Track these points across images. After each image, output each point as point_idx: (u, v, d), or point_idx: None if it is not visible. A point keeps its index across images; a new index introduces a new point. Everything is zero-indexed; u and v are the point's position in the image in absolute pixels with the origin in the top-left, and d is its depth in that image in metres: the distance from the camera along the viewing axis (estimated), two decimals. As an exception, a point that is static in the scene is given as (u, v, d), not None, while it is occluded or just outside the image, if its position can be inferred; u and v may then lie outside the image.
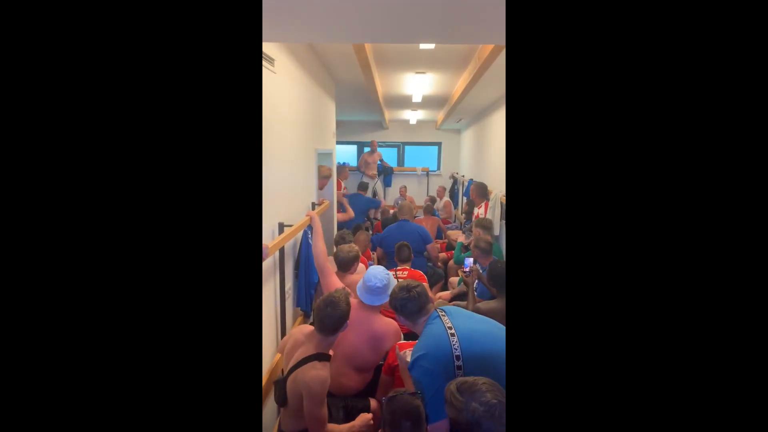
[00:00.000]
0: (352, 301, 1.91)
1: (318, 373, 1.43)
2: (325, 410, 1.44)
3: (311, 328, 1.56)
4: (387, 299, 1.93)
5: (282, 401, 1.50)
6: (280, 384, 1.51)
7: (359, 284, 1.94)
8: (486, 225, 3.35)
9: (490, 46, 2.51)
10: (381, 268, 1.97)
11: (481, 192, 4.12)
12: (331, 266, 2.38)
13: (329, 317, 1.48)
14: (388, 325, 1.87)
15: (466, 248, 3.39)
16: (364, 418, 1.51)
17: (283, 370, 1.58)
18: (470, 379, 0.97)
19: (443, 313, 1.39)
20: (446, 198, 6.23)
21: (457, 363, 1.24)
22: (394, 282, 2.04)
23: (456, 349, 1.25)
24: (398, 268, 2.74)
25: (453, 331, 1.30)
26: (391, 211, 5.39)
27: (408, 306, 1.43)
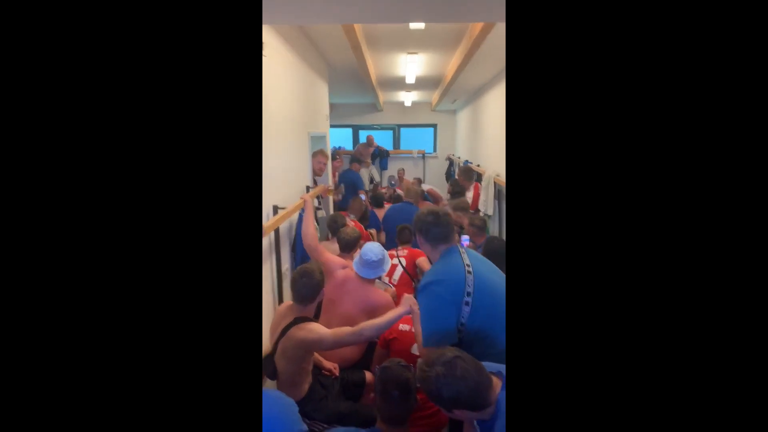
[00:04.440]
0: (349, 273, 2.01)
1: (307, 327, 1.49)
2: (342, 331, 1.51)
3: (290, 302, 1.63)
4: (382, 273, 2.04)
5: (272, 375, 1.57)
6: (267, 359, 1.57)
7: (356, 259, 2.04)
8: (463, 206, 3.46)
9: (480, 25, 2.51)
10: (377, 244, 2.07)
11: (468, 175, 4.21)
12: (327, 247, 2.43)
13: (305, 287, 1.55)
14: (382, 296, 1.98)
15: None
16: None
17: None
18: (433, 353, 1.03)
19: (463, 251, 1.37)
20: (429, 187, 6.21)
21: (466, 299, 1.26)
22: (389, 259, 2.10)
23: (469, 286, 1.27)
24: (398, 247, 2.81)
25: (470, 269, 1.30)
26: (382, 190, 5.38)
27: (433, 230, 1.37)
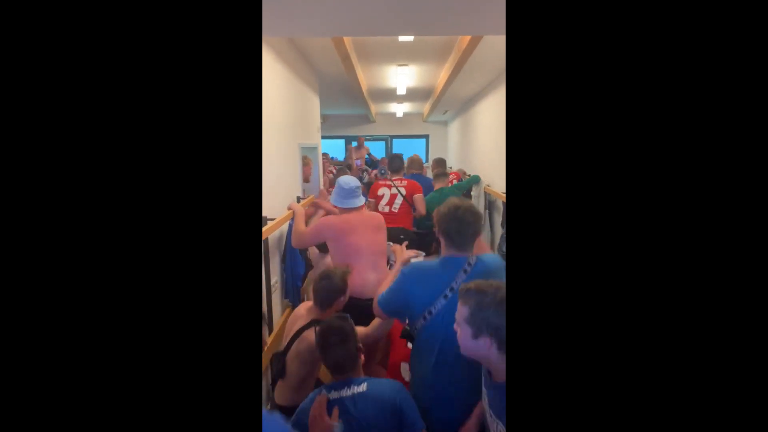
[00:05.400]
0: (341, 217, 2.04)
1: None
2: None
3: (310, 303, 1.63)
4: (361, 203, 2.09)
5: (280, 373, 1.54)
6: (278, 357, 1.56)
7: (334, 197, 2.08)
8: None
9: (469, 37, 2.54)
10: (348, 176, 2.18)
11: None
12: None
13: (325, 289, 1.56)
14: (376, 214, 2.12)
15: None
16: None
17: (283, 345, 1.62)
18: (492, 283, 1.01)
19: (468, 268, 1.24)
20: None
21: (425, 314, 1.25)
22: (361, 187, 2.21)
23: (435, 307, 1.23)
24: (393, 178, 2.77)
25: (449, 295, 1.22)
26: (373, 174, 5.37)
27: (451, 234, 1.26)
